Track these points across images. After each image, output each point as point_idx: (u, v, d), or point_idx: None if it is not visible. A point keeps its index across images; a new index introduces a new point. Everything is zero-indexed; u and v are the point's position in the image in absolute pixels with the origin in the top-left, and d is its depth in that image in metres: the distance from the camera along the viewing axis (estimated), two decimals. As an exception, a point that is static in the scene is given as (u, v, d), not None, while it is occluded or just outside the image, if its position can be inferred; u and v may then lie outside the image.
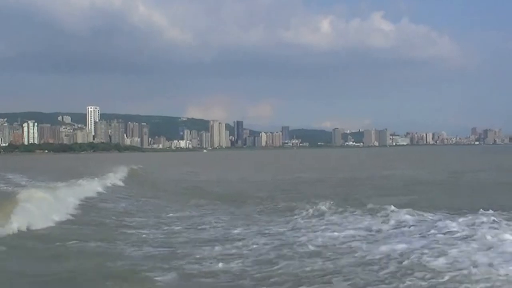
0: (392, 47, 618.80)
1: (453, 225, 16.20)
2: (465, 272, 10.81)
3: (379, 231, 16.60)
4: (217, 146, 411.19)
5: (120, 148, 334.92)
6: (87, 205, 24.37)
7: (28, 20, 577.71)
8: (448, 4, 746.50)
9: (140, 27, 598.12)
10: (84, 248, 14.10)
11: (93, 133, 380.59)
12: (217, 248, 14.01)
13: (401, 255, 12.47)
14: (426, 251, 12.97)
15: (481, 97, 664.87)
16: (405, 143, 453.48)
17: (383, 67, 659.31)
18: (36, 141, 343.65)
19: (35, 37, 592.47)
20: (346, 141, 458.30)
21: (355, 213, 20.48)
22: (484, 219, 16.62)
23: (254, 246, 14.23)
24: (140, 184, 41.01)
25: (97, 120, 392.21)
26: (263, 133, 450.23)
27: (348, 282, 10.33)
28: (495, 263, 11.48)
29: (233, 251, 13.62)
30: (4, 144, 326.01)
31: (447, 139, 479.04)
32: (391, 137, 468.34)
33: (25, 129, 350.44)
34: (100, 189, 32.04)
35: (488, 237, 14.07)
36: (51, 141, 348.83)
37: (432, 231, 15.73)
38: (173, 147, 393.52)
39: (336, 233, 16.23)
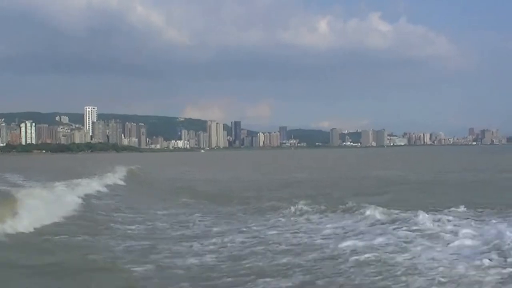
0: (390, 47, 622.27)
1: (421, 222, 17.22)
2: (420, 267, 11.50)
3: (353, 229, 17.43)
4: (215, 146, 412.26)
5: (117, 148, 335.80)
6: (81, 203, 25.03)
7: (25, 21, 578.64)
8: (446, 4, 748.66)
9: (138, 28, 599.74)
10: (70, 242, 15.04)
11: (90, 133, 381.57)
12: (195, 244, 14.93)
13: (365, 251, 13.23)
14: (390, 247, 13.86)
15: (479, 97, 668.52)
16: (402, 144, 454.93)
17: (381, 67, 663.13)
18: (33, 141, 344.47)
19: (32, 37, 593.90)
20: (343, 141, 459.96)
21: (335, 212, 21.41)
22: (450, 217, 17.76)
23: (231, 243, 15.11)
24: (136, 183, 41.84)
25: (95, 120, 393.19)
26: (261, 133, 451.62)
27: (308, 275, 11.19)
28: (451, 259, 12.28)
29: (210, 247, 14.51)
30: (1, 144, 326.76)
31: (444, 139, 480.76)
32: (388, 137, 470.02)
33: (23, 129, 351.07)
34: (95, 189, 32.64)
35: (448, 234, 15.09)
36: (48, 141, 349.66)
37: (402, 228, 16.67)
38: (170, 147, 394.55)
39: (312, 232, 17.07)
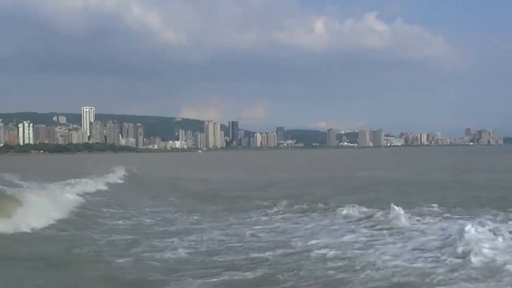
0: (387, 48, 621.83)
1: (393, 220, 18.17)
2: (379, 262, 12.32)
3: (327, 227, 18.36)
4: (212, 147, 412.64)
5: (115, 148, 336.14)
6: (75, 201, 25.56)
7: (23, 21, 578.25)
8: (442, 4, 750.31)
9: (135, 28, 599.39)
10: (59, 237, 16.11)
11: (88, 134, 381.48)
12: (176, 240, 15.94)
13: (332, 247, 14.07)
14: (357, 244, 14.73)
15: (476, 98, 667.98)
16: (399, 144, 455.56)
17: (377, 68, 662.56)
18: (31, 142, 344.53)
19: (30, 37, 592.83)
20: (341, 142, 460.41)
21: (315, 211, 22.45)
22: (418, 217, 18.82)
23: (209, 239, 16.10)
24: (130, 183, 42.52)
25: (92, 121, 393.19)
26: (258, 133, 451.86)
27: (273, 269, 12.13)
28: (412, 254, 13.22)
29: (189, 243, 15.50)
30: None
31: (441, 139, 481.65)
32: (385, 137, 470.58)
33: (20, 129, 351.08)
34: (90, 188, 33.30)
35: (416, 232, 16.11)
36: (46, 141, 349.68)
37: (375, 226, 17.68)
38: (168, 147, 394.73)
39: (288, 230, 18.04)
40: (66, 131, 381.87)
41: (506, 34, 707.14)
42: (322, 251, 13.76)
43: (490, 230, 15.14)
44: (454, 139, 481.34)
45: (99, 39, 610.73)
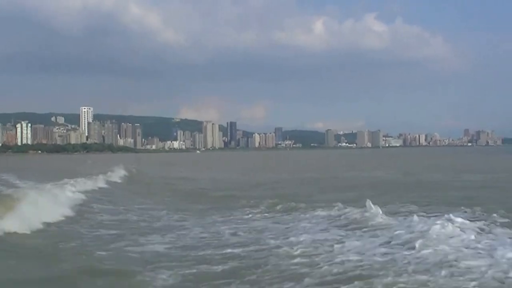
0: (386, 48, 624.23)
1: (370, 218, 19.01)
2: (342, 258, 13.05)
3: (306, 225, 19.05)
4: (211, 147, 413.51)
5: (113, 149, 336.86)
6: (70, 200, 26.26)
7: (21, 21, 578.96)
8: (442, 4, 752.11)
9: (134, 28, 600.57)
10: (46, 230, 17.07)
11: (86, 134, 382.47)
12: (157, 236, 16.88)
13: (303, 244, 14.76)
14: (328, 242, 15.35)
15: (475, 98, 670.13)
16: (398, 145, 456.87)
17: (377, 68, 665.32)
18: (29, 142, 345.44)
19: (28, 37, 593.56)
20: (339, 142, 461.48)
21: (299, 210, 23.21)
22: (393, 215, 19.77)
23: (189, 236, 17.01)
24: (125, 182, 43.61)
25: (91, 121, 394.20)
26: (256, 134, 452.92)
27: (242, 263, 13.00)
28: (379, 249, 14.05)
29: (169, 239, 16.42)
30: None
31: (440, 140, 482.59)
32: (384, 138, 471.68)
33: (18, 129, 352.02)
34: (86, 187, 34.11)
35: (387, 229, 16.95)
36: (44, 141, 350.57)
37: (350, 225, 18.52)
38: (166, 148, 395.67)
39: (268, 228, 18.78)
40: (64, 131, 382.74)
41: (506, 34, 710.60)
42: (292, 248, 14.44)
43: (458, 227, 15.87)
44: (452, 140, 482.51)
45: (98, 38, 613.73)
